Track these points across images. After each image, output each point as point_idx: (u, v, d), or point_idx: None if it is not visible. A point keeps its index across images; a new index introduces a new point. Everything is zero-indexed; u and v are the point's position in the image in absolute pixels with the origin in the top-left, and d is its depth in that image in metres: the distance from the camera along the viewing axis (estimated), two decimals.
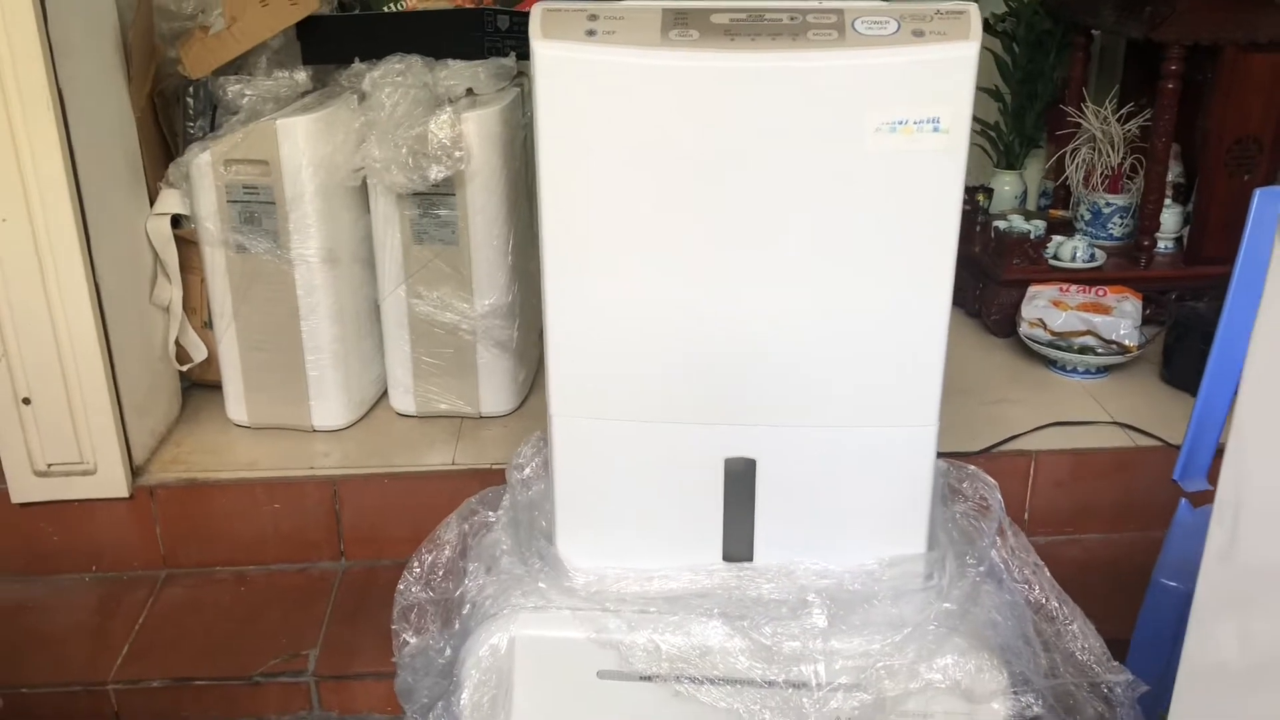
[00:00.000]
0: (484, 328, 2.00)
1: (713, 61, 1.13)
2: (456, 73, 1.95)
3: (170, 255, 2.01)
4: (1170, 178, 2.34)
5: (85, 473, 1.87)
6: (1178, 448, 1.47)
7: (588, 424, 1.28)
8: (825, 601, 1.25)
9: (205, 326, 2.07)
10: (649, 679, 1.25)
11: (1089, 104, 2.39)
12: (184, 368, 2.09)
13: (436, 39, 1.98)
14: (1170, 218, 2.37)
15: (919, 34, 1.12)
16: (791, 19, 1.14)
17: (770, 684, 1.22)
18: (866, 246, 1.19)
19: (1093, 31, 2.51)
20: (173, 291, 2.04)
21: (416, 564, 1.45)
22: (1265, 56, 2.19)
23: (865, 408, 1.26)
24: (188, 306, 2.06)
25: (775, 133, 1.15)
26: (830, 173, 1.16)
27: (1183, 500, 1.53)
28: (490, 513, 1.46)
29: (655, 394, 1.26)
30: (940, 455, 1.31)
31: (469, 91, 1.96)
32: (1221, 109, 2.23)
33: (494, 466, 1.91)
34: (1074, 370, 2.18)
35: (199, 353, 2.08)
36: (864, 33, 1.13)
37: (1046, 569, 1.36)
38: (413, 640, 1.40)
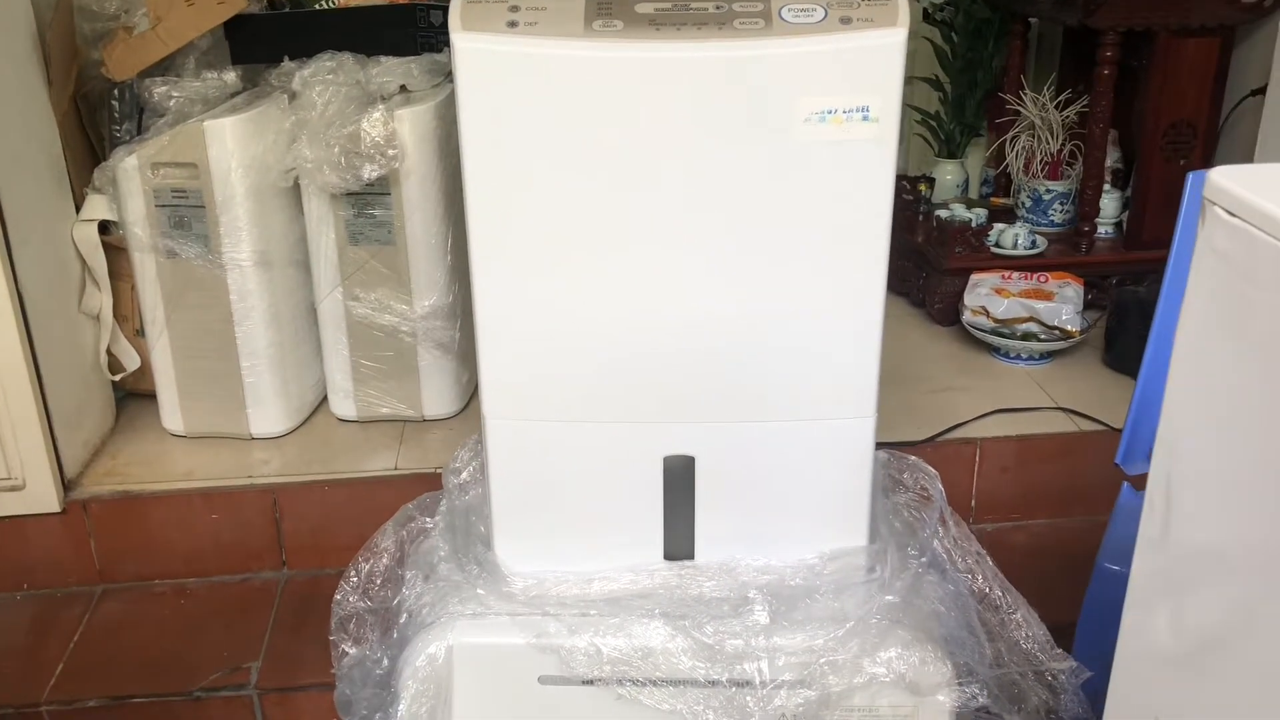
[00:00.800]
0: (424, 329, 1.97)
1: (637, 52, 1.11)
2: (389, 69, 1.92)
3: (99, 262, 1.96)
4: (1109, 163, 2.36)
5: (13, 488, 1.82)
6: (1120, 431, 1.47)
7: (522, 425, 1.26)
8: (767, 598, 1.23)
9: (138, 334, 2.02)
10: (591, 683, 1.23)
11: (1028, 91, 2.40)
12: (116, 377, 2.04)
13: (368, 36, 1.95)
14: (1109, 203, 2.39)
15: (846, 21, 1.11)
16: (717, 8, 1.12)
17: (713, 683, 1.21)
18: (799, 237, 1.18)
19: (1030, 19, 2.52)
20: (102, 299, 1.99)
21: (354, 573, 1.42)
22: (1198, 41, 2.21)
23: (803, 401, 1.24)
24: (119, 314, 2.02)
25: (703, 124, 1.13)
26: (760, 164, 1.15)
27: (1125, 484, 1.53)
28: (427, 519, 1.44)
29: (590, 393, 1.24)
30: (886, 445, 1.31)
31: (402, 88, 1.93)
32: (1156, 94, 2.25)
33: (438, 470, 1.86)
34: (1017, 357, 2.19)
35: (132, 361, 2.03)
36: (791, 21, 1.11)
37: (989, 558, 1.36)
38: (352, 651, 1.37)
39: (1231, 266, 0.70)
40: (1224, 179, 0.70)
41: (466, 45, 1.11)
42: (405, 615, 1.30)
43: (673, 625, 1.22)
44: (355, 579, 1.42)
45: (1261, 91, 2.21)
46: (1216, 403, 0.76)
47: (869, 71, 1.11)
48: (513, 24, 1.11)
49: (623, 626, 1.23)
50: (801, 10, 1.11)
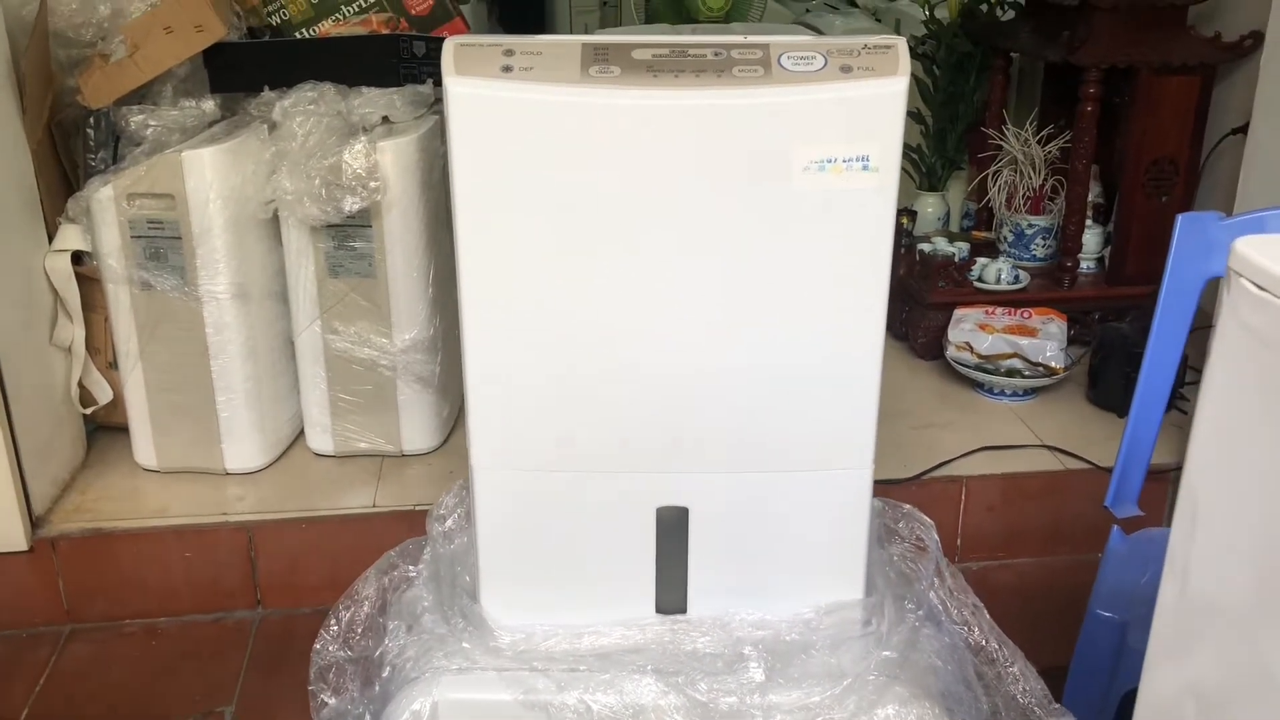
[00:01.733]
0: (404, 363, 1.93)
1: (635, 99, 1.08)
2: (371, 100, 1.89)
3: (71, 294, 1.91)
4: (1090, 198, 2.36)
5: None
6: (1106, 470, 1.47)
7: (512, 475, 1.23)
8: (762, 654, 1.21)
9: (110, 367, 1.97)
10: None
11: (1009, 126, 2.41)
12: (88, 410, 1.99)
13: (350, 66, 1.92)
14: (1091, 238, 2.39)
15: (846, 70, 1.10)
16: (716, 55, 1.10)
17: None
18: (797, 287, 1.16)
19: (1012, 54, 2.53)
20: (74, 331, 1.94)
21: (334, 621, 1.38)
22: (1179, 79, 2.22)
23: (799, 452, 1.22)
24: (91, 347, 1.97)
25: (700, 172, 1.11)
26: (758, 212, 1.13)
27: (1115, 528, 1.52)
28: (411, 567, 1.40)
29: (582, 443, 1.22)
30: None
31: (385, 120, 1.90)
32: (1138, 131, 2.26)
33: (417, 508, 1.85)
34: (1001, 393, 2.18)
35: (104, 394, 1.98)
36: (790, 69, 1.10)
37: (985, 610, 1.34)
38: (331, 701, 1.34)
39: (1259, 341, 0.69)
40: (1250, 250, 0.69)
41: (460, 90, 1.08)
42: (388, 668, 1.27)
43: (665, 682, 1.19)
44: (336, 627, 1.38)
45: (1242, 130, 2.22)
46: (1243, 477, 0.74)
47: (869, 121, 1.10)
48: (507, 69, 1.08)
49: (613, 683, 1.20)
50: (801, 58, 1.10)
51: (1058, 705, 1.30)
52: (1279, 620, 0.75)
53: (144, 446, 1.96)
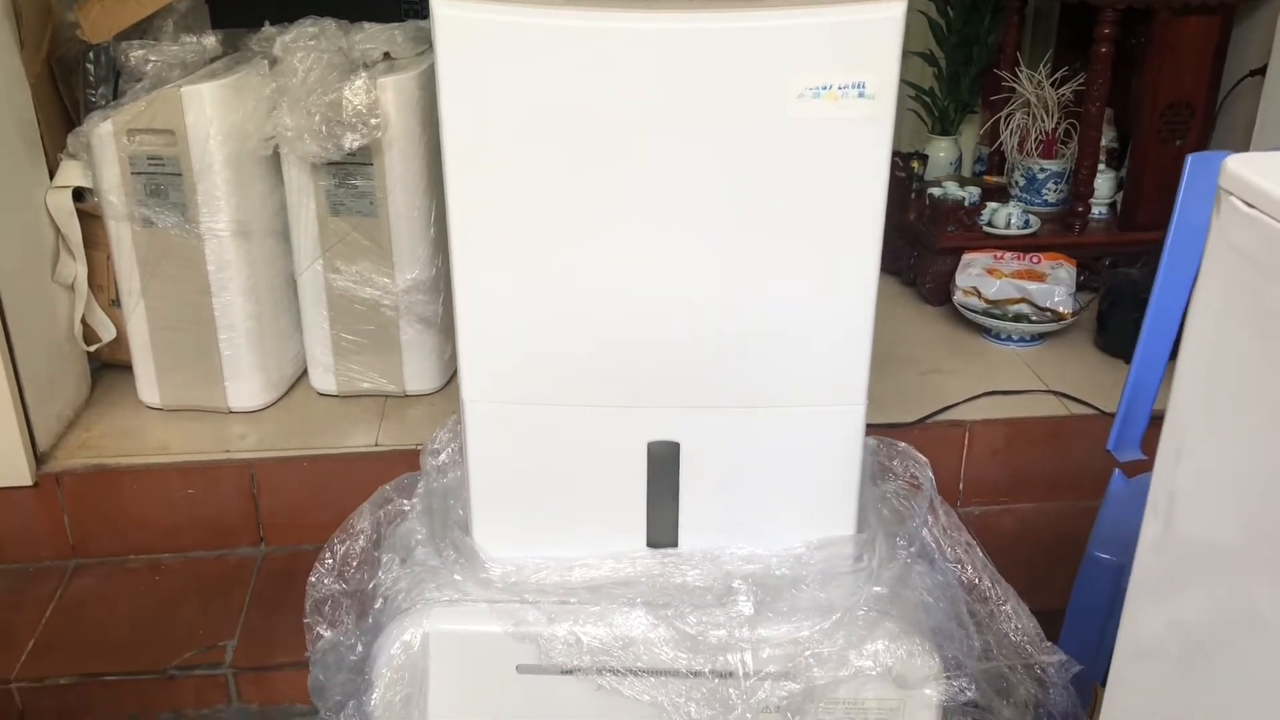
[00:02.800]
0: (406, 303, 1.93)
1: (625, 22, 1.06)
2: (372, 36, 1.87)
3: (73, 230, 1.91)
4: (1104, 143, 2.32)
5: None
6: (1112, 415, 1.45)
7: (502, 409, 1.22)
8: (752, 588, 1.20)
9: (113, 305, 1.98)
10: (570, 672, 1.20)
11: (1023, 68, 2.36)
12: (92, 348, 2.00)
13: (352, 1, 1.90)
14: (1104, 183, 2.35)
15: None
16: None
17: (696, 675, 1.18)
18: (790, 219, 1.14)
19: None
20: (77, 268, 1.94)
21: (329, 554, 1.39)
22: (1198, 20, 2.17)
23: (791, 387, 1.21)
24: (94, 284, 1.97)
25: (691, 99, 1.09)
26: (751, 141, 1.11)
27: (1116, 471, 1.51)
28: (405, 500, 1.40)
29: (573, 376, 1.21)
30: (875, 427, 1.27)
31: (386, 55, 1.88)
32: (1154, 74, 2.21)
33: (419, 447, 1.83)
34: (1009, 338, 2.16)
35: (107, 332, 1.99)
36: None
37: (979, 548, 1.33)
38: (326, 634, 1.34)
39: (1249, 262, 0.67)
40: (1241, 167, 0.67)
41: (447, 13, 1.06)
42: (381, 600, 1.27)
43: (655, 615, 1.19)
44: (331, 561, 1.39)
45: (1261, 72, 2.18)
46: (1229, 402, 0.72)
47: (866, 46, 1.07)
48: None
49: (603, 615, 1.20)
50: None
51: (1050, 643, 1.29)
52: (1264, 557, 0.74)
53: (147, 384, 1.97)
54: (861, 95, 1.07)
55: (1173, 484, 0.83)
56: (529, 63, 1.08)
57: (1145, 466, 1.49)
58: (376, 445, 1.89)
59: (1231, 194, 0.68)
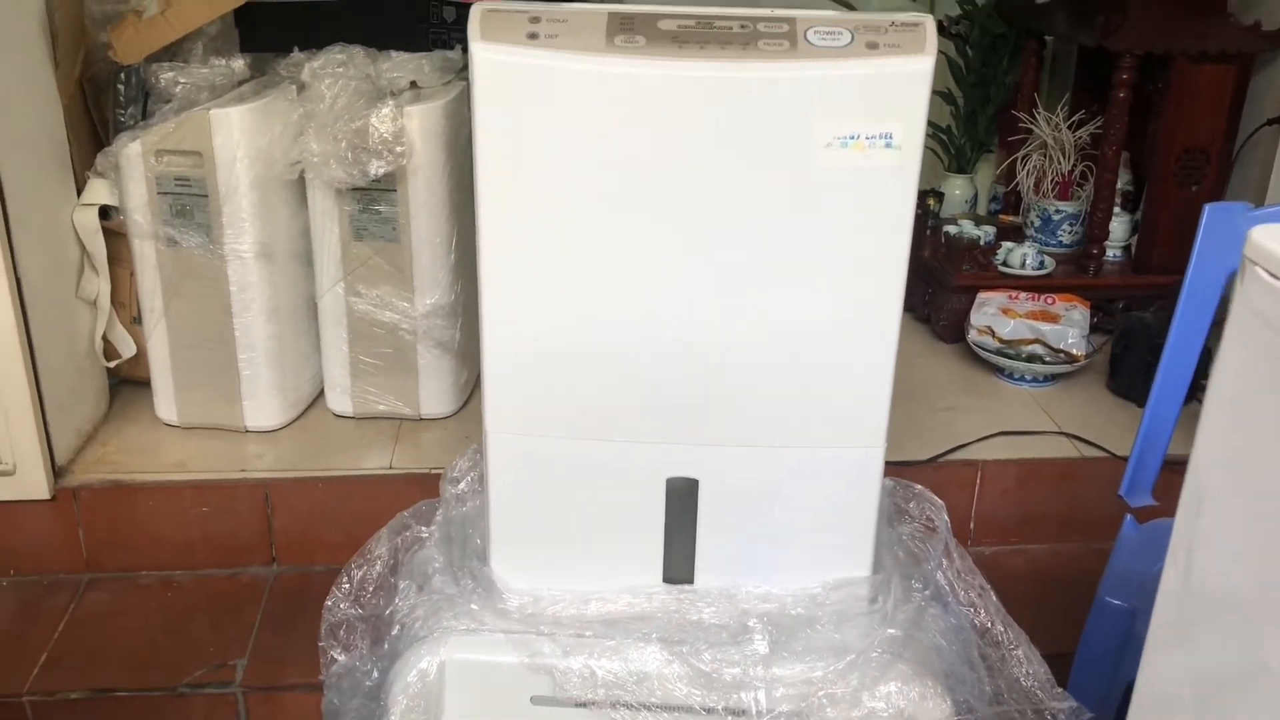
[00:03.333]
0: (425, 327, 1.95)
1: (659, 70, 1.08)
2: (400, 65, 1.90)
3: (98, 248, 1.93)
4: (1119, 186, 2.34)
5: (3, 473, 1.79)
6: (1123, 459, 1.46)
7: (525, 440, 1.24)
8: (767, 627, 1.21)
9: (134, 322, 1.99)
10: (584, 705, 1.21)
11: (1041, 110, 2.38)
12: (111, 364, 2.01)
13: (380, 30, 1.93)
14: (1119, 226, 2.37)
15: (873, 46, 1.09)
16: (742, 27, 1.10)
17: (709, 711, 1.19)
18: (815, 263, 1.16)
19: (1046, 37, 2.50)
20: (100, 285, 1.96)
21: (345, 579, 1.40)
22: (1215, 68, 2.19)
23: (811, 428, 1.23)
24: (116, 301, 1.99)
25: (722, 145, 1.11)
26: (779, 187, 1.13)
27: (1128, 517, 1.52)
28: (423, 528, 1.41)
29: (595, 411, 1.22)
30: (888, 464, 1.28)
31: (412, 84, 1.90)
32: (1171, 119, 2.23)
33: (433, 471, 1.85)
34: (1021, 378, 2.18)
35: (127, 349, 2.01)
36: (816, 44, 1.09)
37: (993, 593, 1.34)
38: (341, 658, 1.35)
39: (1273, 330, 0.68)
40: (1266, 239, 0.68)
41: (486, 56, 1.08)
42: (397, 627, 1.28)
43: (670, 651, 1.20)
44: (347, 585, 1.40)
45: (1278, 121, 2.19)
46: (1250, 461, 0.74)
47: (894, 98, 1.09)
48: (533, 35, 1.08)
49: (619, 650, 1.21)
50: (828, 33, 1.09)
51: (1061, 689, 1.30)
52: (1275, 610, 0.75)
53: (165, 401, 1.98)
54: (889, 145, 1.09)
55: (1192, 536, 0.84)
56: (562, 105, 1.10)
57: (1157, 512, 1.50)
58: (390, 468, 1.90)
59: (1256, 264, 0.69)
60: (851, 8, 2.48)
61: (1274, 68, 2.26)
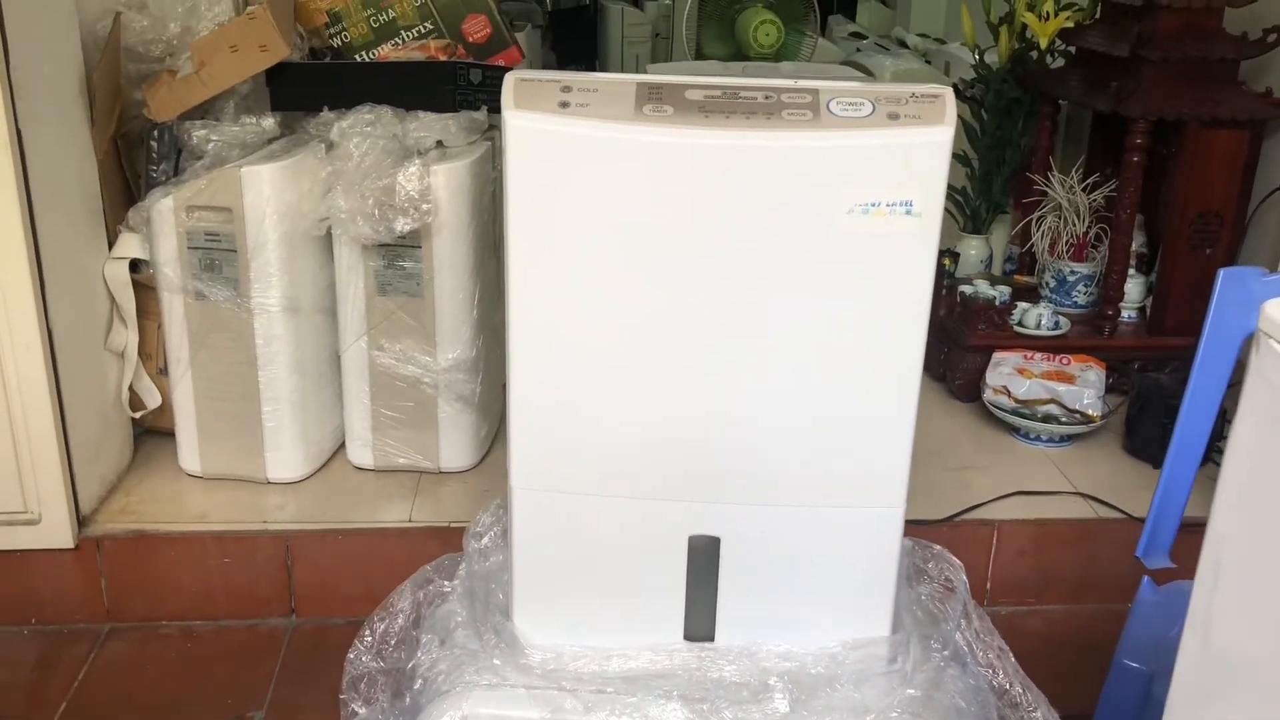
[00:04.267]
0: (446, 381, 1.97)
1: (686, 139, 1.11)
2: (426, 124, 1.94)
3: (127, 300, 1.97)
4: (1134, 247, 2.37)
5: (29, 522, 1.82)
6: (1140, 520, 1.46)
7: (549, 497, 1.26)
8: (787, 685, 1.22)
9: (160, 373, 2.02)
10: None
11: (1055, 173, 2.42)
12: (137, 415, 2.04)
13: (407, 90, 1.97)
14: (1134, 287, 2.39)
15: (894, 117, 1.12)
16: (766, 98, 1.13)
17: None
18: (837, 327, 1.18)
19: (1060, 102, 2.54)
20: (128, 337, 2.00)
21: (368, 632, 1.41)
22: (1228, 133, 2.22)
23: (832, 488, 1.24)
24: (143, 352, 2.02)
25: (746, 211, 1.14)
26: (801, 253, 1.15)
27: (1145, 579, 1.52)
28: (446, 582, 1.43)
29: (619, 469, 1.24)
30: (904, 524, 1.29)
31: (439, 144, 1.94)
32: (1184, 184, 2.26)
33: (452, 524, 1.88)
34: (1037, 438, 2.19)
35: (153, 400, 2.03)
36: (839, 114, 1.12)
37: (1011, 654, 1.35)
38: (362, 711, 1.36)
39: None
40: (1279, 313, 0.70)
41: (519, 124, 1.12)
42: (420, 681, 1.29)
43: (690, 708, 1.21)
44: (370, 638, 1.41)
45: None
46: (1267, 529, 0.75)
47: (914, 167, 1.12)
48: (564, 104, 1.12)
49: (640, 707, 1.22)
50: (850, 104, 1.12)
51: None
52: None
53: (189, 452, 2.00)
54: (909, 213, 1.12)
55: (1211, 602, 0.85)
56: (592, 171, 1.13)
57: (1174, 574, 1.50)
58: (410, 521, 1.92)
59: (1270, 336, 0.71)
60: (870, 73, 2.53)
61: None
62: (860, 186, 1.12)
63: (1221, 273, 1.35)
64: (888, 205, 1.12)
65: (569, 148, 1.12)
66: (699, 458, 1.23)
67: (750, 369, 1.20)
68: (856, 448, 1.22)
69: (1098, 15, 2.46)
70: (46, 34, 1.77)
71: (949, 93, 1.14)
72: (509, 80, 1.14)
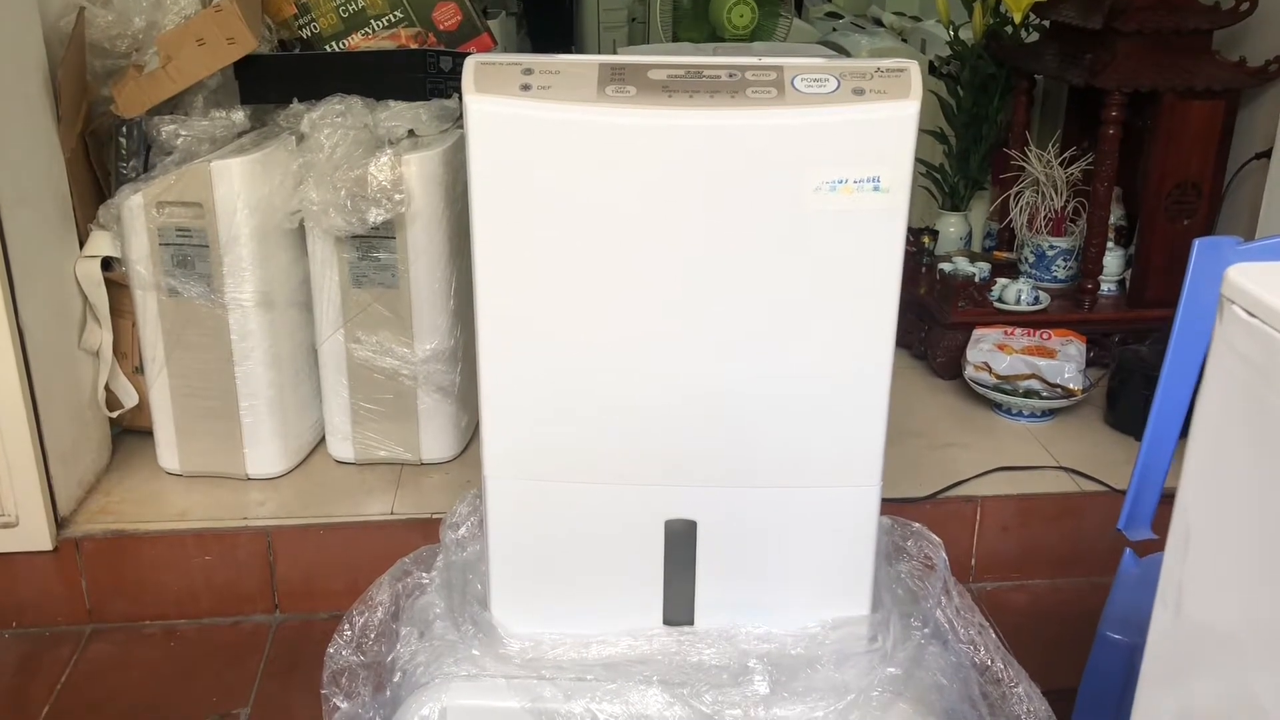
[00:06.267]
0: (425, 373, 1.96)
1: (649, 119, 1.10)
2: (398, 114, 1.92)
3: (100, 299, 1.95)
4: (1112, 221, 2.36)
5: (6, 525, 1.80)
6: (1122, 493, 1.46)
7: (523, 485, 1.25)
8: (767, 667, 1.22)
9: (136, 372, 2.01)
10: None
11: (1032, 147, 2.41)
12: (114, 414, 2.02)
13: (378, 80, 1.95)
14: (1113, 261, 2.39)
15: (859, 92, 1.11)
16: (730, 76, 1.12)
17: None
18: (807, 305, 1.17)
19: (1035, 76, 2.53)
20: (102, 336, 1.98)
21: (348, 626, 1.40)
22: (1203, 104, 2.22)
23: (807, 468, 1.24)
24: (118, 351, 2.01)
25: (713, 191, 1.13)
26: (769, 232, 1.14)
27: (1127, 551, 1.52)
28: (424, 574, 1.42)
29: (593, 455, 1.23)
30: (886, 502, 1.29)
31: (410, 133, 1.93)
32: (1161, 155, 2.25)
33: (434, 516, 1.87)
34: (1019, 414, 2.18)
35: (129, 399, 2.02)
36: (804, 90, 1.11)
37: (991, 630, 1.34)
38: (343, 705, 1.36)
39: (1250, 367, 0.70)
40: (1242, 278, 0.70)
41: (480, 107, 1.10)
42: (399, 673, 1.29)
43: (670, 693, 1.21)
44: (349, 632, 1.40)
45: (1266, 154, 2.22)
46: (1233, 500, 0.75)
47: (881, 143, 1.11)
48: (526, 87, 1.10)
49: (620, 693, 1.21)
50: (814, 80, 1.11)
51: None
52: (1267, 648, 0.76)
53: (167, 450, 1.99)
54: (877, 189, 1.11)
55: (1181, 574, 0.85)
56: (555, 154, 1.12)
57: (1156, 546, 1.49)
58: (392, 514, 1.91)
59: (1234, 302, 0.71)
60: (846, 52, 2.52)
61: (1260, 103, 2.29)
62: (827, 164, 1.11)
63: (1196, 243, 1.35)
64: (855, 182, 1.11)
65: (531, 131, 1.11)
66: (673, 441, 1.23)
67: (722, 350, 1.19)
68: (830, 426, 1.22)
69: None
70: (8, 30, 1.75)
71: (915, 66, 1.13)
72: (469, 64, 1.12)
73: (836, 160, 1.11)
